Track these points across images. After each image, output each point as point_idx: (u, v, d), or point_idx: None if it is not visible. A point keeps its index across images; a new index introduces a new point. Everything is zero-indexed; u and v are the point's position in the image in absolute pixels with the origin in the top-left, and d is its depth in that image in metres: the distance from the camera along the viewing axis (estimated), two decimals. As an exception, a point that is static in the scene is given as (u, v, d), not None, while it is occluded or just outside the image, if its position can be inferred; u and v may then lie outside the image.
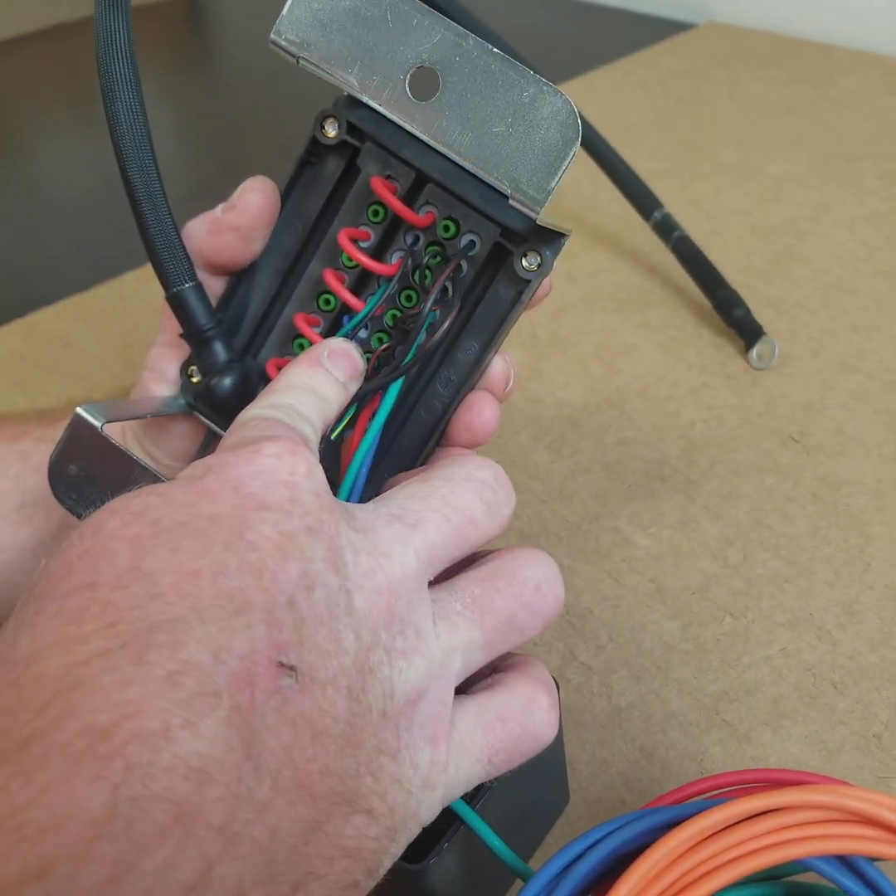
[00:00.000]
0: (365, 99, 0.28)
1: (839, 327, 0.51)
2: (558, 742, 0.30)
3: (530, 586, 0.24)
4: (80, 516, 0.31)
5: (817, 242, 0.58)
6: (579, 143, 0.27)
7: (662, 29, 0.94)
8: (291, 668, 0.20)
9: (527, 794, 0.29)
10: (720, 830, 0.23)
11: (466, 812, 0.25)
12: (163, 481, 0.29)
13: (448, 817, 0.24)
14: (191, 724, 0.18)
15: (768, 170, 0.67)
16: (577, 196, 0.66)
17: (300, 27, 0.28)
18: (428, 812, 0.22)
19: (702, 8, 0.96)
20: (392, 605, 0.22)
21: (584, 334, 0.54)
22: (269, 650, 0.20)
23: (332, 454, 0.31)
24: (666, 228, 0.57)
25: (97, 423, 0.30)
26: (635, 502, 0.43)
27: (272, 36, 0.28)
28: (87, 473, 0.31)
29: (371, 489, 0.30)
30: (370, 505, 0.24)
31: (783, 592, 0.38)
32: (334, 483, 0.26)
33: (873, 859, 0.24)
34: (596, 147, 0.57)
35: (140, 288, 0.63)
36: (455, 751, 0.22)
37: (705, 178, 0.67)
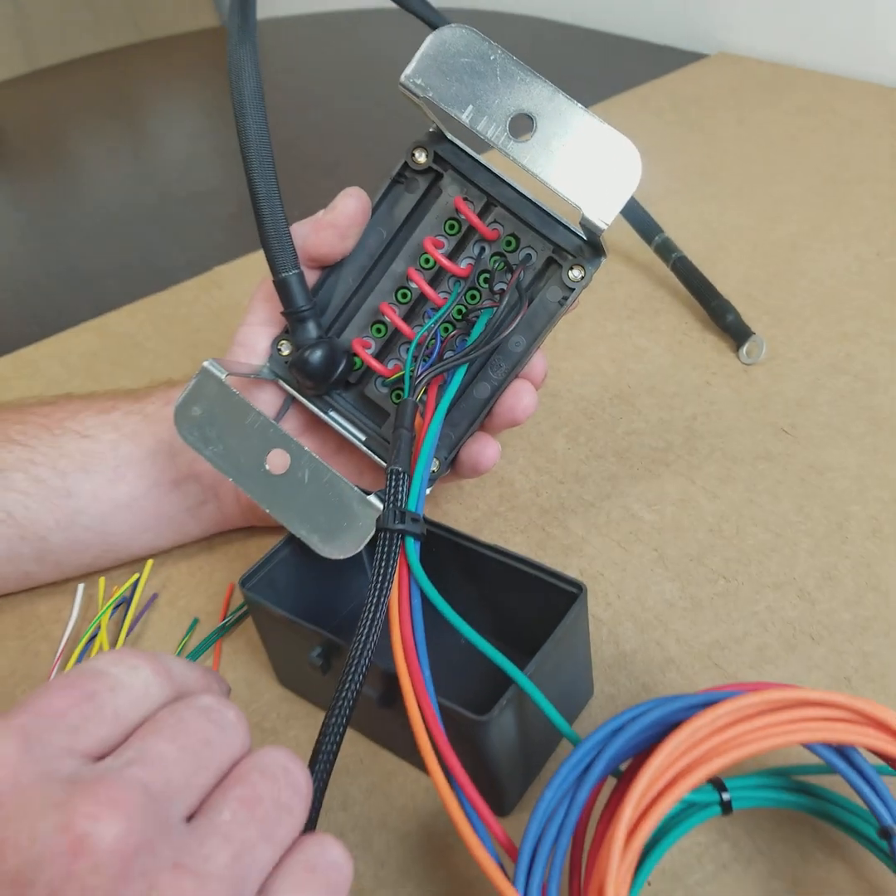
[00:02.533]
0: (476, 131, 0.35)
1: (830, 333, 0.57)
2: (584, 640, 0.36)
3: (278, 767, 0.25)
4: (199, 450, 0.38)
5: (813, 257, 0.64)
6: (639, 179, 0.35)
7: (678, 58, 1.00)
8: None
9: (563, 676, 0.35)
10: (738, 719, 0.28)
11: (522, 679, 0.30)
12: (270, 425, 0.37)
13: (505, 683, 0.31)
14: None
15: (771, 191, 0.72)
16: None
17: (426, 74, 0.35)
18: None
19: (714, 39, 1.02)
20: (125, 863, 0.20)
21: (599, 338, 0.60)
22: None
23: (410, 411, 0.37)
24: (665, 250, 0.63)
25: (221, 375, 0.38)
26: (642, 483, 0.49)
27: (402, 79, 0.36)
28: (208, 415, 0.38)
29: (441, 443, 0.39)
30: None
31: (770, 560, 0.44)
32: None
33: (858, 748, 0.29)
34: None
35: (200, 294, 0.69)
36: None
37: (713, 198, 0.73)
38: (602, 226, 0.36)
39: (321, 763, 0.29)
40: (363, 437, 0.42)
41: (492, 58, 0.35)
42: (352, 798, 0.37)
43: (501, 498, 0.49)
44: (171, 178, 0.98)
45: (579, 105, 0.35)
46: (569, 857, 0.29)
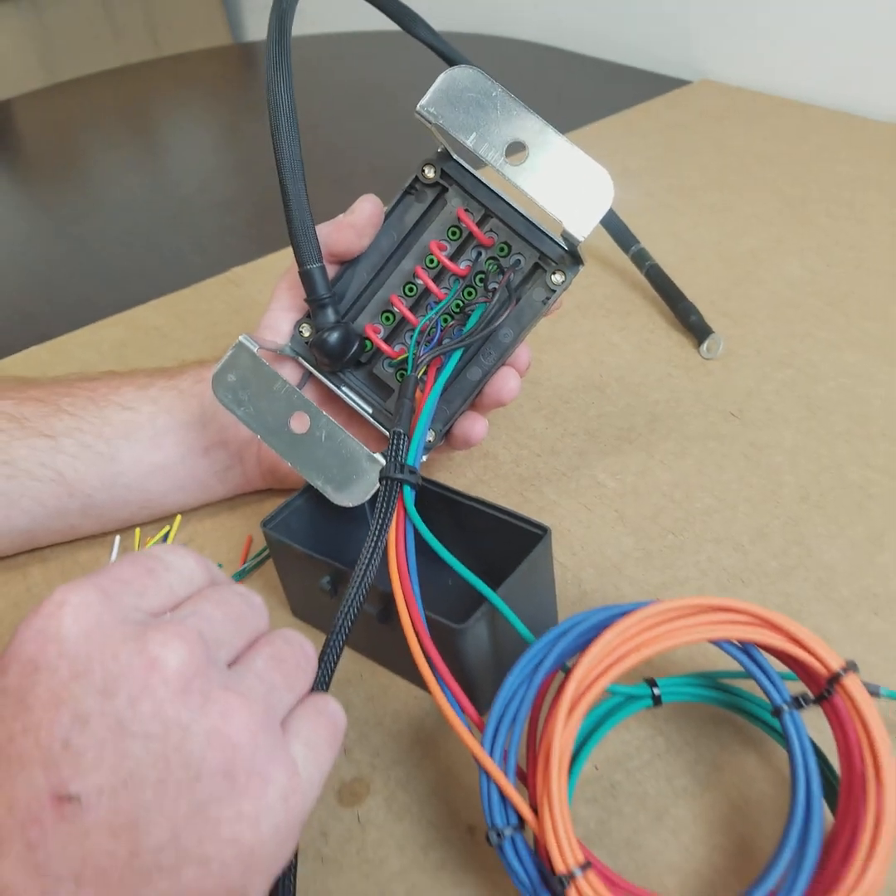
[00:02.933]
0: (479, 154, 0.43)
1: (780, 333, 0.64)
2: (549, 576, 0.44)
3: (296, 641, 0.32)
4: (232, 411, 0.45)
5: (771, 268, 0.72)
6: (611, 201, 0.43)
7: (664, 84, 1.08)
8: (71, 797, 0.25)
9: (530, 603, 0.42)
10: (659, 621, 0.35)
11: (492, 596, 0.38)
12: (294, 392, 0.44)
13: (478, 600, 0.38)
14: None
15: (739, 210, 0.80)
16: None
17: (438, 104, 0.43)
18: (299, 805, 0.29)
19: (698, 67, 1.10)
20: (187, 684, 0.27)
21: (576, 335, 0.67)
22: (51, 790, 0.25)
23: (412, 386, 0.44)
24: (640, 259, 0.71)
25: (253, 348, 0.45)
26: (608, 457, 0.56)
27: (418, 107, 0.43)
28: (241, 381, 0.45)
29: (437, 417, 0.47)
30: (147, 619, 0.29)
31: (712, 520, 0.51)
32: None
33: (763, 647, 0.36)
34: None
35: (220, 292, 0.77)
36: (301, 755, 0.30)
37: (686, 214, 0.81)
38: (580, 238, 0.43)
39: (334, 640, 0.36)
40: (370, 410, 0.49)
41: (493, 95, 0.43)
42: (352, 703, 0.44)
43: (486, 468, 0.56)
44: (188, 187, 1.06)
45: (564, 137, 0.43)
46: (526, 732, 0.36)
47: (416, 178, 0.48)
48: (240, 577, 0.52)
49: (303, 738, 0.31)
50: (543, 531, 0.43)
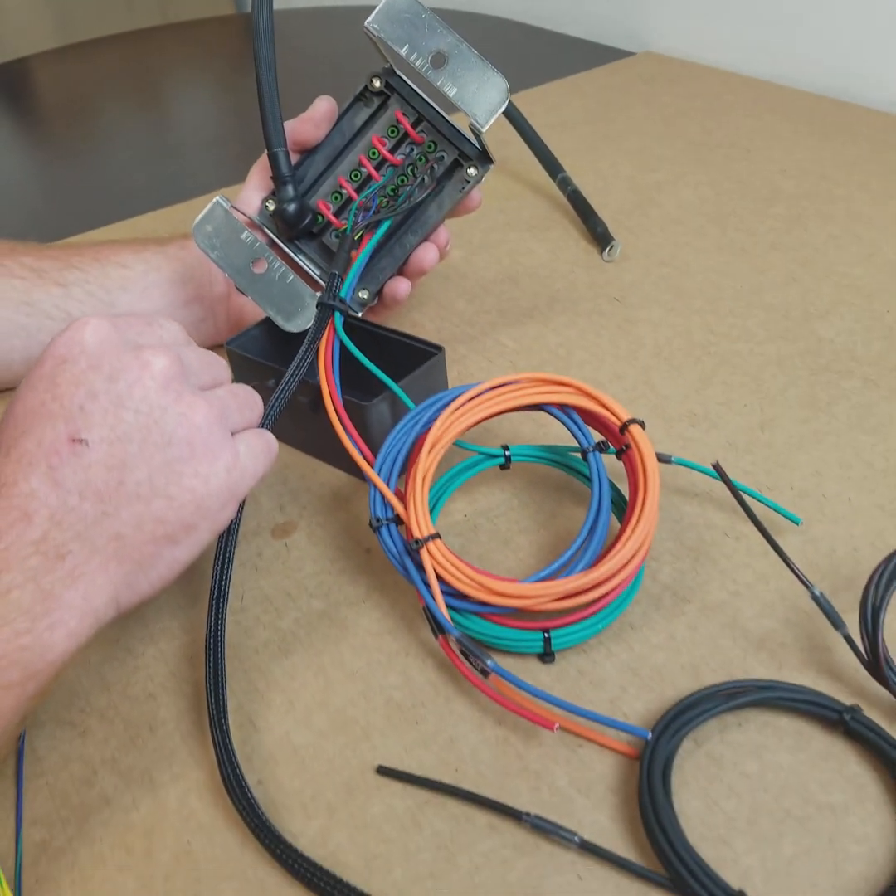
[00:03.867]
0: (409, 62, 0.56)
1: (666, 242, 0.78)
2: (443, 384, 0.57)
3: (248, 389, 0.46)
4: (207, 252, 0.58)
5: (670, 195, 0.85)
6: (507, 101, 0.56)
7: (611, 55, 1.22)
8: (82, 440, 0.38)
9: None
10: (500, 392, 0.49)
11: (392, 383, 0.51)
12: (256, 240, 0.57)
13: (380, 386, 0.51)
14: (26, 477, 0.37)
15: (652, 151, 0.94)
16: (519, 160, 0.93)
17: (381, 22, 0.55)
18: (238, 480, 0.42)
19: (643, 40, 1.24)
20: (167, 383, 0.40)
21: (501, 242, 0.81)
22: (68, 435, 0.37)
23: (348, 243, 0.58)
24: (564, 184, 0.85)
25: (226, 205, 0.58)
26: (512, 328, 0.70)
27: (365, 24, 0.56)
28: (216, 230, 0.59)
29: (363, 275, 0.59)
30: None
31: (583, 368, 0.64)
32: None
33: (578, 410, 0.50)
34: (529, 135, 0.85)
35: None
36: (243, 451, 0.42)
37: (609, 156, 0.94)
38: (482, 128, 0.56)
39: (278, 397, 0.49)
40: (318, 272, 0.63)
41: (423, 16, 0.56)
42: (288, 479, 0.57)
43: (413, 333, 0.70)
44: (185, 129, 1.19)
45: (476, 52, 0.56)
46: (404, 465, 0.50)
47: (365, 87, 0.60)
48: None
49: (245, 442, 0.44)
50: (438, 349, 0.57)
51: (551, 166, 0.86)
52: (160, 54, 1.53)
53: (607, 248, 0.77)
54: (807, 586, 0.40)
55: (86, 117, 1.26)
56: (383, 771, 0.40)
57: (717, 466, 0.45)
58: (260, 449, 0.45)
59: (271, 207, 0.61)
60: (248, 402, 0.46)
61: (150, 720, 0.44)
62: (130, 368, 0.40)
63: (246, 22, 1.79)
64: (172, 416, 0.40)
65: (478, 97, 0.56)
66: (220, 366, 0.46)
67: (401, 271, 0.62)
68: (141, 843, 0.39)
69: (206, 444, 0.41)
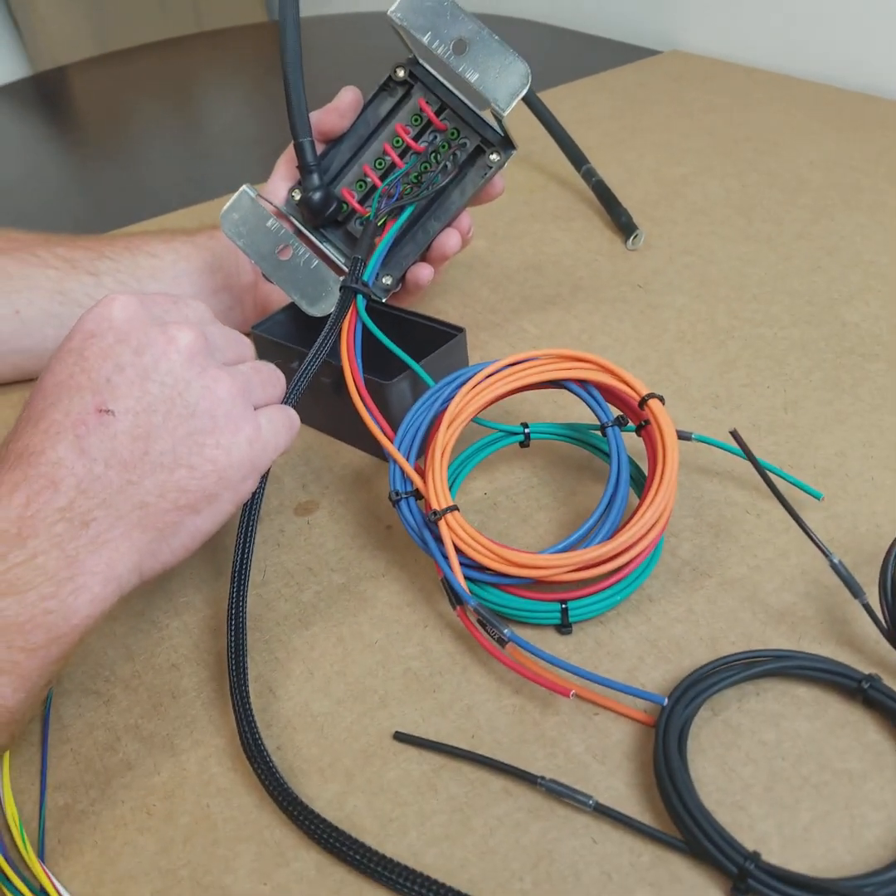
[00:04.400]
0: (431, 49, 0.56)
1: (691, 232, 0.78)
2: (463, 364, 0.57)
3: (272, 367, 0.47)
4: (234, 240, 0.59)
5: (696, 188, 0.85)
6: (528, 86, 0.56)
7: (638, 54, 1.22)
8: (108, 411, 0.38)
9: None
10: (524, 366, 0.49)
11: (412, 363, 0.51)
12: (282, 228, 0.58)
13: (401, 367, 0.52)
14: (53, 446, 0.38)
15: (679, 145, 0.94)
16: (543, 153, 0.94)
17: (404, 11, 0.55)
18: (260, 452, 0.43)
19: (668, 39, 1.24)
20: (192, 357, 0.41)
21: (526, 233, 0.81)
22: (95, 405, 0.38)
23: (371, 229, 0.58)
24: (589, 175, 0.85)
25: (253, 194, 0.59)
26: (535, 313, 0.70)
27: (388, 12, 0.56)
28: (242, 218, 0.59)
29: (386, 261, 0.59)
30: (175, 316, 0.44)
31: (606, 351, 0.64)
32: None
33: (598, 386, 0.50)
34: (553, 128, 0.85)
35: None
36: (264, 424, 0.43)
37: (635, 150, 0.94)
38: (502, 111, 0.57)
39: (301, 375, 0.49)
40: (343, 259, 0.63)
41: (444, 3, 0.57)
42: (311, 459, 0.58)
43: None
44: (216, 130, 1.21)
45: (498, 38, 0.56)
46: (424, 442, 0.50)
47: (390, 77, 0.61)
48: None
49: (267, 416, 0.44)
50: (459, 331, 0.57)
51: (576, 158, 0.86)
52: (193, 61, 1.55)
53: (631, 237, 0.77)
54: (826, 554, 0.40)
55: (121, 122, 1.28)
56: (400, 737, 0.41)
57: (734, 433, 0.45)
58: (282, 423, 0.45)
59: (297, 196, 0.62)
60: (271, 378, 0.47)
61: (173, 689, 0.44)
62: (157, 343, 0.41)
63: (277, 29, 1.81)
64: (196, 389, 0.41)
65: (499, 82, 0.56)
66: (244, 343, 0.47)
67: (424, 257, 0.62)
68: (162, 805, 0.39)
69: (228, 416, 0.42)
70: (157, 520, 0.40)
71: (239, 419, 0.42)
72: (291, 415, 0.46)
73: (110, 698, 0.44)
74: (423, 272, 0.62)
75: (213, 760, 0.41)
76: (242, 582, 0.44)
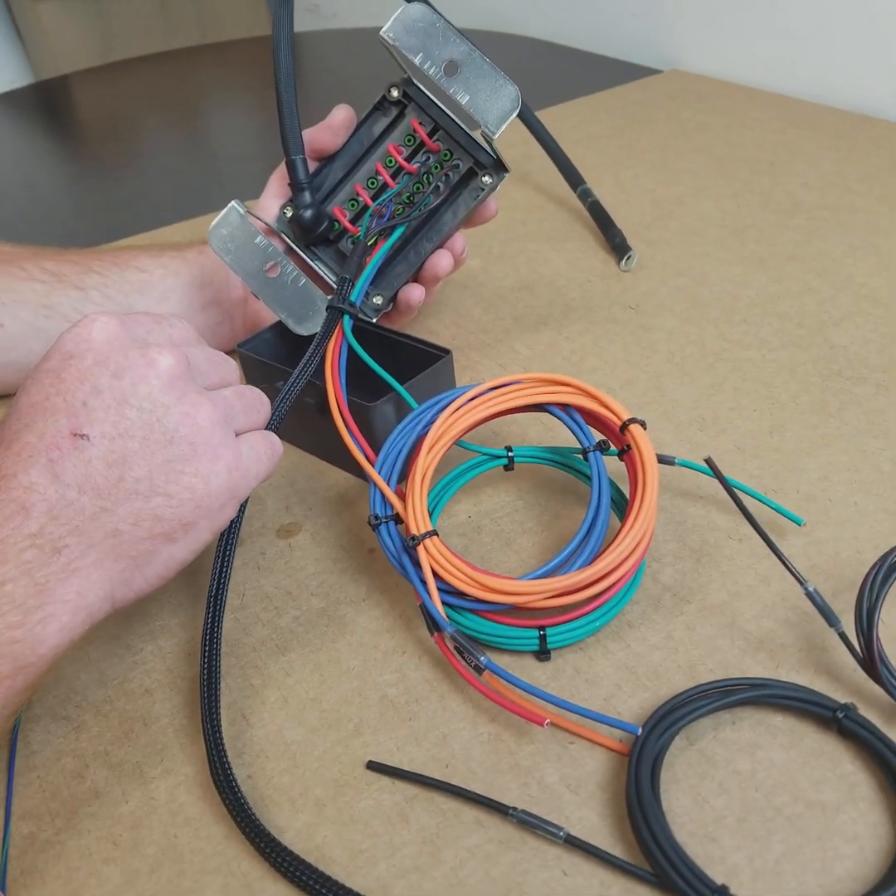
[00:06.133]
0: (423, 70, 0.56)
1: (684, 253, 0.78)
2: (450, 386, 0.57)
3: (256, 391, 0.46)
4: (221, 256, 0.59)
5: (690, 208, 0.85)
6: (519, 109, 0.56)
7: (637, 73, 1.22)
8: (83, 435, 0.38)
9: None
10: (506, 389, 0.49)
11: (397, 385, 0.51)
12: (270, 245, 0.58)
13: (387, 389, 0.51)
14: (26, 469, 0.37)
15: (675, 165, 0.94)
16: (540, 173, 0.94)
17: (396, 31, 0.56)
18: (239, 480, 0.42)
19: (668, 58, 1.24)
20: (172, 381, 0.40)
21: (520, 253, 0.81)
22: (70, 429, 0.38)
23: (361, 248, 0.58)
24: (584, 195, 0.85)
25: (242, 210, 0.59)
26: (526, 334, 0.70)
27: (380, 33, 0.56)
28: (230, 234, 0.59)
29: (377, 280, 0.60)
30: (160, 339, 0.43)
31: (595, 373, 0.64)
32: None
33: (580, 410, 0.50)
34: (550, 147, 0.85)
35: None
36: (245, 451, 0.42)
37: (631, 170, 0.94)
38: (492, 134, 0.57)
39: (284, 396, 0.49)
40: (334, 278, 0.63)
41: (437, 25, 0.57)
42: (295, 480, 0.58)
43: (428, 339, 0.70)
44: (216, 144, 1.21)
45: (488, 60, 0.56)
46: (406, 465, 0.50)
47: (384, 97, 0.61)
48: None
49: (248, 443, 0.44)
50: (446, 352, 0.57)
51: (572, 178, 0.86)
52: (196, 73, 1.56)
53: (624, 258, 0.77)
54: (801, 583, 0.40)
55: (121, 133, 1.29)
56: (373, 766, 0.40)
57: (709, 461, 0.44)
58: (263, 450, 0.45)
59: (289, 213, 0.62)
60: (254, 403, 0.46)
61: (145, 715, 0.44)
62: (136, 366, 0.40)
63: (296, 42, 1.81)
64: (175, 415, 0.40)
65: (489, 105, 0.56)
66: (228, 366, 0.47)
67: (416, 278, 0.62)
68: (128, 835, 0.39)
69: (207, 444, 0.41)
70: (130, 548, 0.39)
71: (219, 447, 0.42)
72: (274, 441, 0.46)
73: (80, 724, 0.44)
74: (414, 293, 0.62)
75: (183, 789, 0.40)
76: (218, 608, 0.44)
